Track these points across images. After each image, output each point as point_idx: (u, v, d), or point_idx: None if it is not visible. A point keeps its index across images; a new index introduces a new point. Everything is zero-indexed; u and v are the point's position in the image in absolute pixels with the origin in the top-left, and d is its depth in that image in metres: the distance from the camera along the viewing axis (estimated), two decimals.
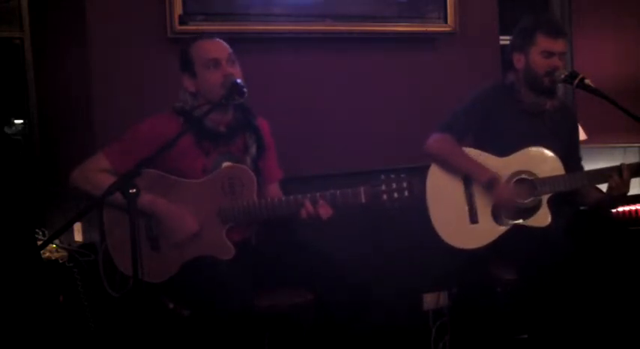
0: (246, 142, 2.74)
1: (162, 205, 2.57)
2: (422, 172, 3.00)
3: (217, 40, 2.71)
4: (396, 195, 2.58)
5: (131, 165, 2.30)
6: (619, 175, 2.85)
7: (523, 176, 2.91)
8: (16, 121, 4.12)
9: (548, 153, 2.95)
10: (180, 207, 2.59)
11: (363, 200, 2.59)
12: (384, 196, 2.58)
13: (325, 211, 2.58)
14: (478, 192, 2.95)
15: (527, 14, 3.12)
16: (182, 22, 3.09)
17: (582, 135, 3.92)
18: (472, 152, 2.99)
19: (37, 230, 3.39)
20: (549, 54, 2.93)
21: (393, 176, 2.59)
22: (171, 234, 2.57)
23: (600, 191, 3.01)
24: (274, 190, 2.84)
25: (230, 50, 2.68)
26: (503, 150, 2.96)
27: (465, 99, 3.07)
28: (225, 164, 2.68)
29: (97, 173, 2.60)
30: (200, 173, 2.65)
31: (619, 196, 2.90)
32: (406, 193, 2.58)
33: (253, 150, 2.74)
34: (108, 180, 2.47)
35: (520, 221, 2.90)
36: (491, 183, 2.89)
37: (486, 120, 3.01)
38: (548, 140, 2.99)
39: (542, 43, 2.93)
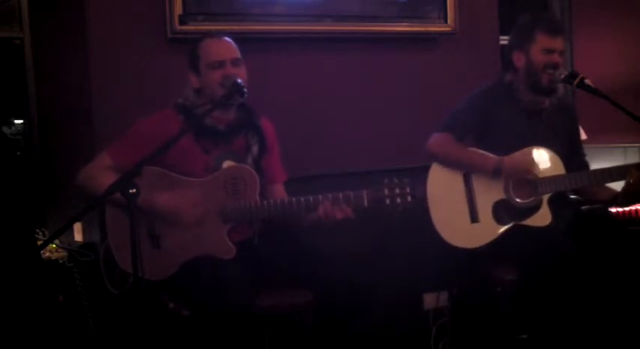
0: (248, 141, 2.74)
1: (159, 201, 2.56)
2: (424, 174, 3.00)
3: (225, 40, 2.71)
4: (398, 199, 2.58)
5: (133, 161, 2.31)
6: (638, 170, 2.83)
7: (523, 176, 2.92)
8: (16, 121, 4.11)
9: (549, 152, 2.95)
10: (177, 197, 2.58)
11: (366, 203, 2.59)
12: (387, 200, 2.58)
13: (343, 212, 2.57)
14: (479, 191, 2.96)
15: (526, 13, 3.12)
16: (182, 22, 3.09)
17: (582, 135, 3.92)
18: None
19: (37, 230, 3.38)
20: (549, 51, 2.94)
21: (396, 180, 2.59)
22: (176, 221, 2.56)
23: (610, 189, 3.01)
24: (279, 191, 2.83)
25: (237, 52, 2.68)
26: (502, 149, 2.96)
27: (464, 99, 3.08)
28: (227, 163, 2.68)
29: (100, 171, 2.60)
30: (202, 171, 2.65)
31: (636, 193, 2.88)
32: (409, 198, 2.58)
33: (255, 149, 2.74)
34: (111, 178, 2.46)
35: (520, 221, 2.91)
36: (498, 168, 2.89)
37: (485, 120, 3.02)
38: (548, 138, 2.99)
39: (542, 40, 2.95)
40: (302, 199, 2.59)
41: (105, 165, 2.62)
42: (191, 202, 2.57)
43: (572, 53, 4.48)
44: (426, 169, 3.02)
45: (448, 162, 3.00)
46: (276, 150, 2.86)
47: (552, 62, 2.93)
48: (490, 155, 2.94)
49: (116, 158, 2.61)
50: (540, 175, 2.91)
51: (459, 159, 2.99)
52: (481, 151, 2.97)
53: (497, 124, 3.01)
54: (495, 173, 2.90)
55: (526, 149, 2.95)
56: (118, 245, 2.61)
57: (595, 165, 3.12)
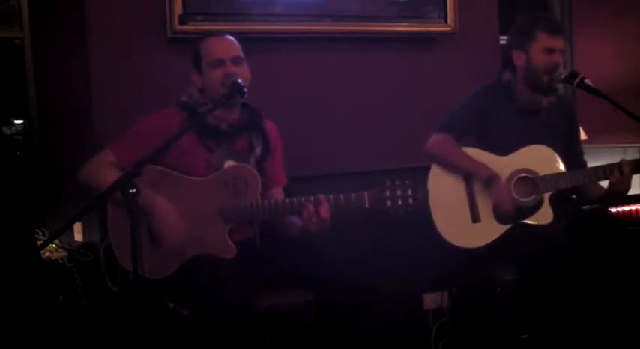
0: (252, 142, 2.73)
1: (159, 208, 2.55)
2: (424, 174, 3.00)
3: (226, 38, 2.71)
4: (400, 202, 2.58)
5: (135, 159, 2.31)
6: (619, 171, 2.85)
7: (524, 174, 2.92)
8: (16, 121, 4.11)
9: (549, 150, 2.95)
10: (176, 212, 2.57)
11: (367, 205, 2.59)
12: (388, 202, 2.58)
13: (325, 211, 2.57)
14: (479, 191, 2.96)
15: (525, 13, 3.13)
16: (182, 22, 3.09)
17: (582, 135, 3.92)
18: (472, 151, 3.00)
19: (37, 230, 3.38)
20: (550, 50, 2.94)
21: (398, 182, 2.59)
22: (161, 238, 2.56)
23: (601, 188, 3.02)
24: (277, 194, 2.82)
25: (238, 51, 2.69)
26: (502, 148, 2.96)
27: (462, 100, 3.08)
28: (229, 163, 2.68)
29: (103, 168, 2.60)
30: (202, 170, 2.65)
31: (620, 193, 2.91)
32: (410, 200, 2.58)
33: (258, 150, 2.73)
34: (114, 175, 2.46)
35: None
36: (490, 180, 2.90)
37: (484, 120, 3.02)
38: (546, 137, 3.00)
39: (542, 40, 2.95)
40: (303, 199, 2.59)
41: (108, 161, 2.62)
42: (180, 228, 2.56)
43: (572, 53, 4.48)
44: (426, 169, 3.02)
45: (446, 165, 3.00)
46: (279, 153, 2.85)
47: (553, 62, 2.94)
48: (486, 166, 2.93)
49: (119, 155, 2.61)
50: (541, 173, 2.91)
51: (456, 164, 2.99)
52: (483, 155, 2.97)
53: (496, 124, 3.01)
54: (486, 185, 2.91)
55: (526, 147, 2.95)
56: (118, 243, 2.60)
57: (594, 165, 3.12)
